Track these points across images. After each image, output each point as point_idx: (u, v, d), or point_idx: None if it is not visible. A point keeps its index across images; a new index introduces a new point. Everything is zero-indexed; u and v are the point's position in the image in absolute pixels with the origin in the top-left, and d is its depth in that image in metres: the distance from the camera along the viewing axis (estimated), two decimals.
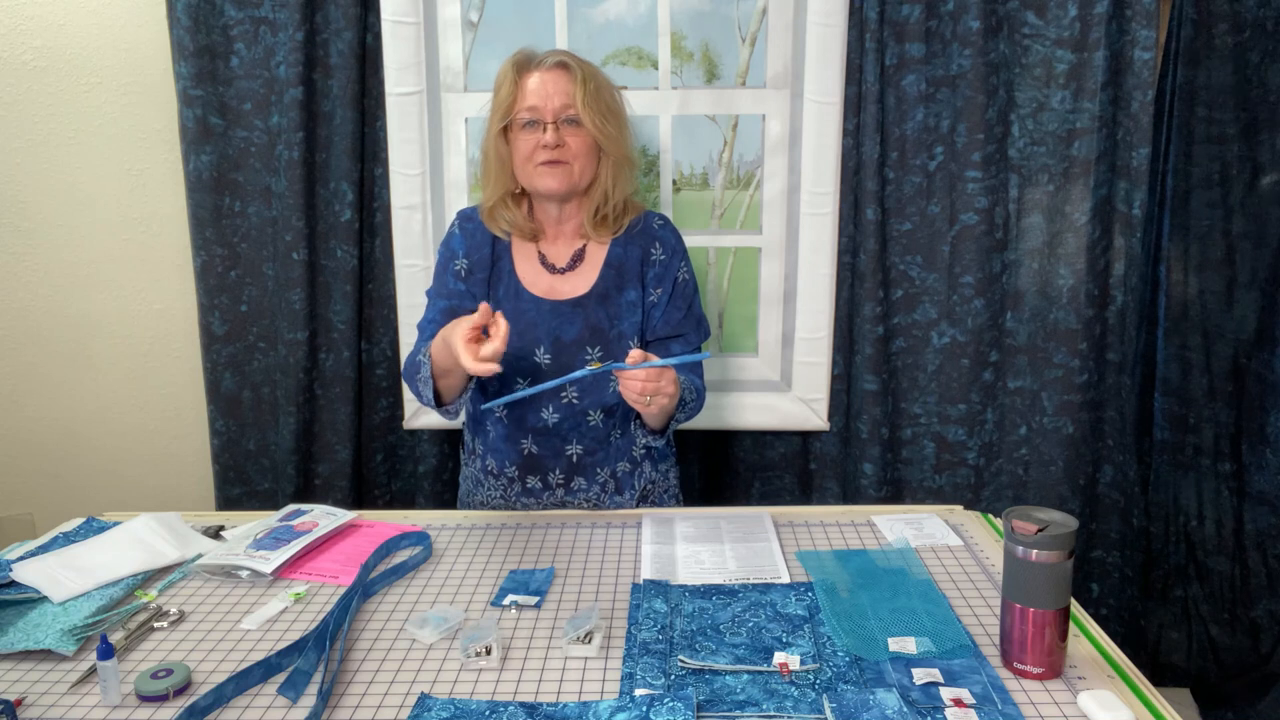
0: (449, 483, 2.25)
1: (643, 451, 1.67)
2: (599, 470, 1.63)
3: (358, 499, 2.25)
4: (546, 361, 1.57)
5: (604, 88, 1.57)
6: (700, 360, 1.62)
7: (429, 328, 1.61)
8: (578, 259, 1.62)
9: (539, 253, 1.62)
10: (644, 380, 1.36)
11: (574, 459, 1.62)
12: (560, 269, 1.61)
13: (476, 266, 1.62)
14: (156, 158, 2.19)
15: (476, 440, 1.69)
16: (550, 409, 1.59)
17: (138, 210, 2.22)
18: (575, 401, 1.59)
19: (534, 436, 1.61)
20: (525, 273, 1.61)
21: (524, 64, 1.54)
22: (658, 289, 1.61)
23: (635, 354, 1.36)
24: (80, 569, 1.34)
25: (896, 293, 2.10)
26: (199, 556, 1.43)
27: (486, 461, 1.66)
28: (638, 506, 1.66)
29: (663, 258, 1.62)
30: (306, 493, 2.22)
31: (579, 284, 1.60)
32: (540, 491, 1.63)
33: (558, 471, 1.62)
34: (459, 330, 1.32)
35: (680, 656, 1.11)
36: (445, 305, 1.62)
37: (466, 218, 1.67)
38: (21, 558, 1.38)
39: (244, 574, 1.37)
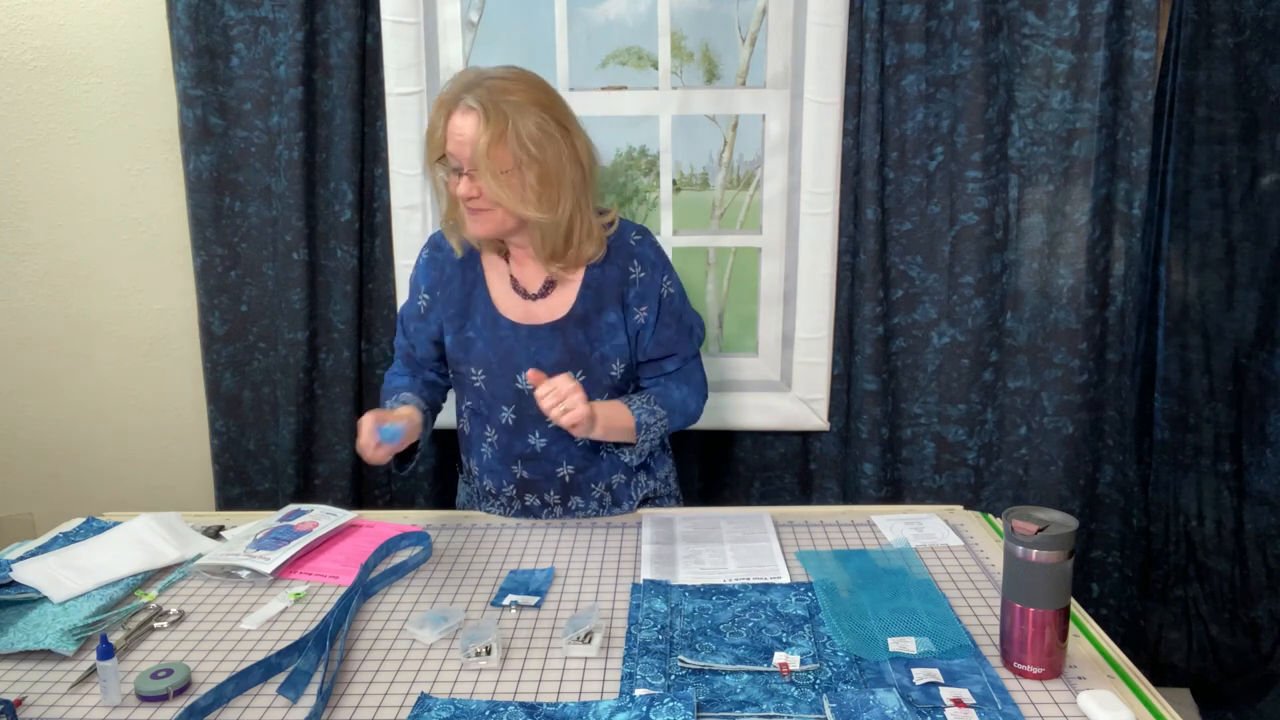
0: (449, 483, 2.25)
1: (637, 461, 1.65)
2: (593, 486, 1.60)
3: (358, 499, 2.25)
4: (530, 389, 1.47)
5: (528, 137, 1.37)
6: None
7: (399, 357, 1.71)
8: (550, 284, 1.54)
9: (511, 276, 1.55)
10: (540, 398, 1.38)
11: (566, 479, 1.59)
12: (533, 294, 1.54)
13: (444, 301, 1.57)
14: (156, 158, 2.19)
15: (471, 461, 1.67)
16: (537, 434, 1.56)
17: (138, 210, 2.22)
18: None
19: (524, 462, 1.58)
20: (500, 298, 1.55)
21: (449, 100, 1.40)
22: (642, 308, 1.54)
23: (530, 374, 1.41)
24: (80, 569, 1.34)
25: (896, 293, 2.10)
26: (199, 556, 1.43)
27: (484, 483, 1.64)
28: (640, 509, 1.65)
29: (643, 275, 1.53)
30: (306, 493, 2.22)
31: (556, 307, 1.53)
32: (539, 509, 1.61)
33: (552, 492, 1.60)
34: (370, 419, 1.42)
35: (680, 656, 1.11)
36: (402, 344, 1.67)
37: (436, 245, 1.60)
38: (21, 558, 1.38)
39: (244, 574, 1.37)
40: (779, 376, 2.19)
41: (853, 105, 2.02)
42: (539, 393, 1.38)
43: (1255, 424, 2.08)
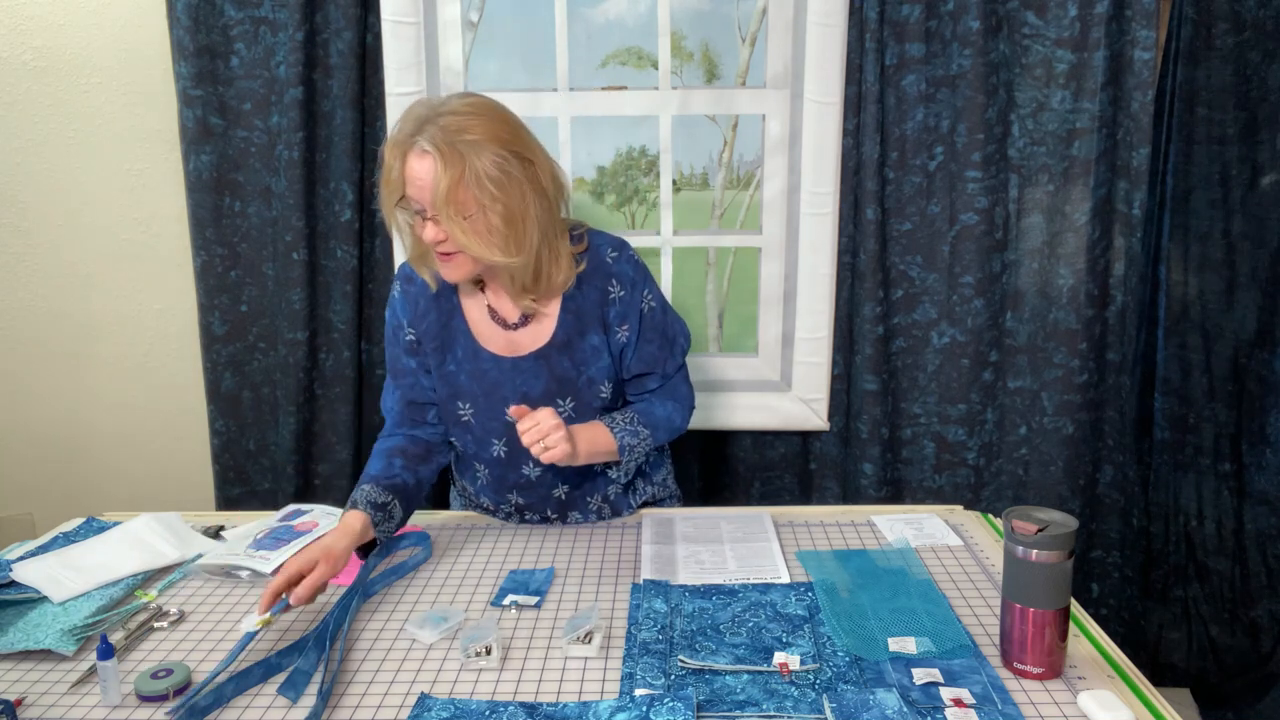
0: (449, 483, 2.25)
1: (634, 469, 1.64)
2: (589, 500, 1.59)
3: None
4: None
5: (488, 178, 1.31)
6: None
7: (393, 414, 1.57)
8: (530, 313, 1.50)
9: (489, 307, 1.51)
10: (523, 433, 1.34)
11: (562, 498, 1.57)
12: (513, 324, 1.49)
13: (425, 336, 1.52)
14: (156, 158, 2.19)
15: (464, 481, 1.65)
16: (531, 464, 1.53)
17: (138, 210, 2.22)
18: None
19: (519, 491, 1.56)
20: (480, 330, 1.50)
21: (403, 141, 1.34)
22: (623, 326, 1.50)
23: (513, 410, 1.36)
24: (80, 569, 1.34)
25: (896, 293, 2.10)
26: (199, 556, 1.43)
27: (481, 500, 1.63)
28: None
29: (622, 294, 1.49)
30: (306, 493, 2.22)
31: (538, 335, 1.49)
32: (537, 523, 1.60)
33: (549, 511, 1.58)
34: (288, 570, 1.23)
35: (680, 656, 1.11)
36: (401, 397, 1.55)
37: (408, 278, 1.54)
38: (21, 558, 1.38)
39: (244, 574, 1.37)
40: (779, 376, 2.19)
41: (853, 105, 2.02)
42: (521, 427, 1.34)
43: (1255, 424, 2.08)
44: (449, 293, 1.52)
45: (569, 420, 1.48)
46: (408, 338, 1.53)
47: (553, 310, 1.49)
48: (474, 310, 1.51)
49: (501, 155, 1.32)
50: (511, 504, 1.58)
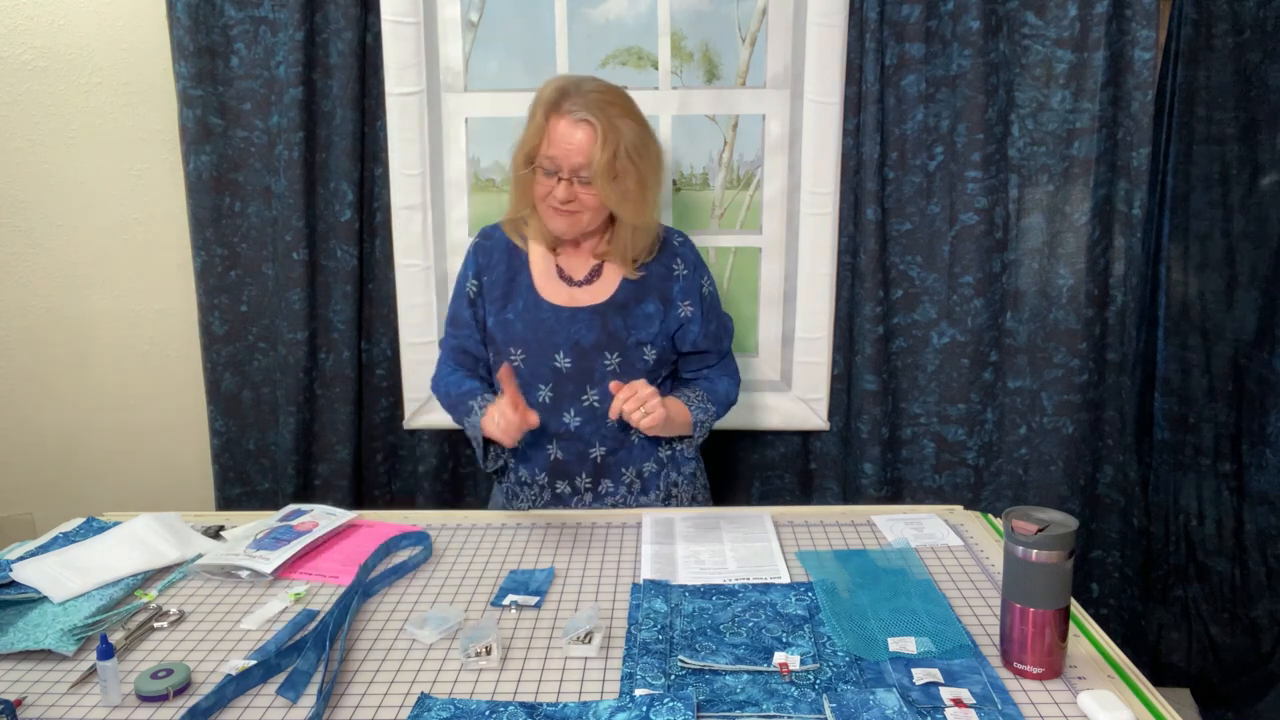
0: (449, 483, 2.25)
1: (669, 453, 1.70)
2: (624, 470, 1.66)
3: (358, 499, 2.25)
4: (568, 365, 1.61)
5: (631, 148, 1.51)
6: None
7: (449, 359, 1.74)
8: (595, 273, 1.65)
9: (557, 266, 1.65)
10: (623, 403, 1.47)
11: (598, 460, 1.65)
12: (578, 281, 1.64)
13: (490, 285, 1.65)
14: (156, 158, 2.19)
15: (505, 451, 1.69)
16: (572, 412, 1.62)
17: (138, 210, 2.22)
18: (596, 405, 1.62)
19: (559, 441, 1.64)
20: (543, 285, 1.64)
21: (556, 104, 1.50)
22: (685, 302, 1.65)
23: (614, 385, 1.49)
24: (80, 569, 1.34)
25: (896, 293, 2.10)
26: (199, 556, 1.43)
27: (519, 473, 1.68)
28: (665, 506, 1.67)
29: (685, 273, 1.66)
30: (306, 493, 2.22)
31: (598, 293, 1.63)
32: (569, 497, 1.66)
33: (584, 475, 1.65)
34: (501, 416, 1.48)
35: (680, 656, 1.11)
36: (454, 345, 1.71)
37: (485, 235, 1.70)
38: (21, 558, 1.38)
39: (244, 574, 1.37)
40: (779, 376, 2.19)
41: (853, 105, 2.02)
42: (621, 396, 1.47)
43: (1255, 424, 2.08)
44: (520, 249, 1.67)
45: (613, 376, 1.59)
46: (468, 290, 1.67)
47: (618, 272, 1.64)
48: (541, 267, 1.66)
49: (638, 128, 1.53)
50: (549, 461, 1.64)
